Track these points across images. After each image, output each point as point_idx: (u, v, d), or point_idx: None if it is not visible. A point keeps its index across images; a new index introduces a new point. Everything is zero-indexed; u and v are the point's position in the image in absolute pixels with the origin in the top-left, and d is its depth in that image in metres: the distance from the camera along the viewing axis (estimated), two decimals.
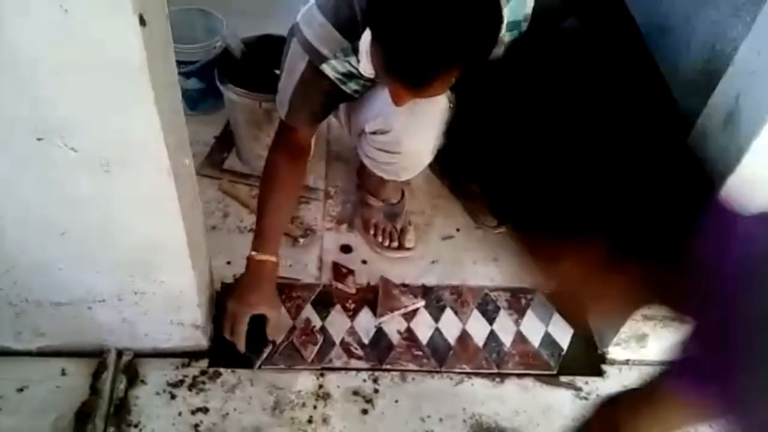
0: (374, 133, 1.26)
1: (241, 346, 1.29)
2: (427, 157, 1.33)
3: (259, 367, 1.32)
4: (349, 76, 1.19)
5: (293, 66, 1.18)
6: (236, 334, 1.27)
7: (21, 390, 1.25)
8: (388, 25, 0.95)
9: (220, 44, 1.69)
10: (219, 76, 1.56)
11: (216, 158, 1.74)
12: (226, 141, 1.78)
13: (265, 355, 1.32)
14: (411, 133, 1.23)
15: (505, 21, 1.14)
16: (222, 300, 1.36)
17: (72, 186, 0.95)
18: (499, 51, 1.20)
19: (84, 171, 0.92)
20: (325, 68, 1.16)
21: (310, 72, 1.16)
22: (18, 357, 1.29)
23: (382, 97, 1.17)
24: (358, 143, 1.37)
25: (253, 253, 1.28)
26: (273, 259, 1.28)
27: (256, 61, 1.59)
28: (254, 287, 1.27)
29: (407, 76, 0.99)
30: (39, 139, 0.87)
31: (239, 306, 1.26)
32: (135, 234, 1.05)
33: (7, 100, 0.82)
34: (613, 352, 1.38)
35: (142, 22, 0.76)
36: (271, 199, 1.28)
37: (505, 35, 1.17)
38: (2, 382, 1.25)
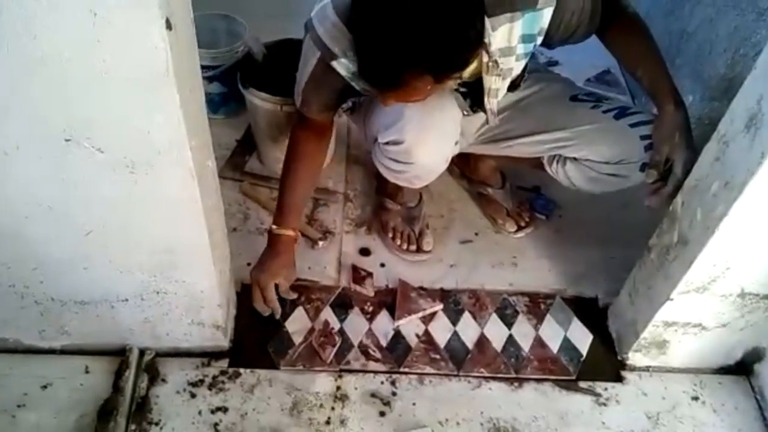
0: (387, 143, 1.26)
1: (278, 310, 1.39)
2: (441, 167, 1.33)
3: (285, 321, 1.41)
4: (358, 75, 1.20)
5: (306, 60, 1.24)
6: (270, 302, 1.38)
7: (45, 387, 1.27)
8: (360, 29, 1.01)
9: (242, 49, 1.71)
10: (241, 80, 1.58)
11: (237, 161, 1.76)
12: (247, 144, 1.80)
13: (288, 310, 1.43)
14: (423, 144, 1.23)
15: (520, 33, 1.14)
16: (243, 301, 1.38)
17: (98, 186, 0.96)
18: (512, 62, 1.20)
19: (110, 172, 0.94)
20: (336, 65, 1.18)
21: (321, 67, 1.20)
22: (42, 355, 1.31)
23: (395, 107, 1.18)
24: (372, 150, 1.38)
25: (273, 227, 1.38)
26: (290, 233, 1.38)
27: (278, 65, 1.61)
28: (274, 258, 1.38)
29: (372, 77, 1.05)
30: (67, 140, 0.89)
31: (263, 276, 1.37)
32: (158, 234, 1.06)
33: (38, 101, 0.84)
34: (633, 358, 1.37)
35: (169, 26, 0.78)
36: (290, 176, 1.37)
37: (518, 47, 1.17)
38: (27, 380, 1.28)
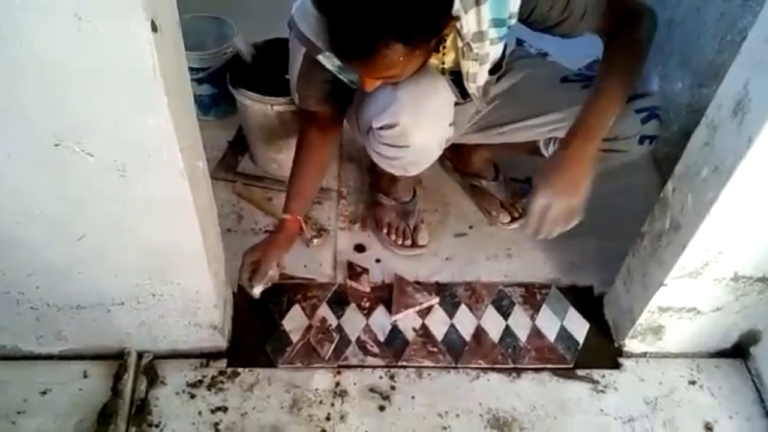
0: (381, 128, 1.27)
1: (241, 277, 1.35)
2: (436, 151, 1.33)
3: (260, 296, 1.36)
4: (343, 68, 1.22)
5: (294, 57, 1.25)
6: (243, 269, 1.34)
7: (44, 393, 1.28)
8: (328, 1, 1.00)
9: (231, 50, 1.71)
10: (231, 81, 1.58)
11: (230, 162, 1.76)
12: (239, 145, 1.80)
13: (263, 286, 1.35)
14: (417, 126, 1.24)
15: (489, 17, 1.14)
16: (239, 301, 1.38)
17: (89, 190, 0.96)
18: (487, 47, 1.19)
19: (101, 175, 0.94)
20: (321, 59, 1.20)
21: (307, 63, 1.23)
22: (41, 361, 1.32)
23: (387, 92, 1.19)
24: (366, 141, 1.37)
25: (281, 214, 1.39)
26: (288, 217, 1.38)
27: (267, 65, 1.61)
28: (268, 239, 1.39)
29: (342, 49, 1.04)
30: (56, 145, 0.89)
31: (249, 249, 1.36)
32: (152, 237, 1.06)
33: (26, 106, 0.84)
34: (630, 344, 1.38)
35: (154, 28, 0.78)
36: (297, 167, 1.39)
37: (490, 31, 1.17)
38: (26, 386, 1.28)
